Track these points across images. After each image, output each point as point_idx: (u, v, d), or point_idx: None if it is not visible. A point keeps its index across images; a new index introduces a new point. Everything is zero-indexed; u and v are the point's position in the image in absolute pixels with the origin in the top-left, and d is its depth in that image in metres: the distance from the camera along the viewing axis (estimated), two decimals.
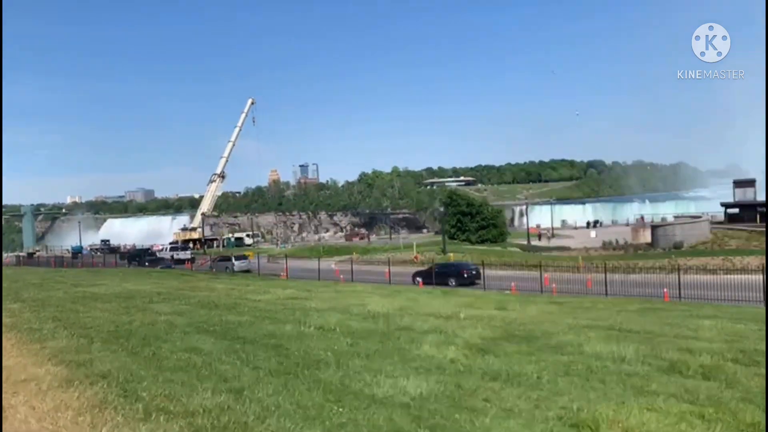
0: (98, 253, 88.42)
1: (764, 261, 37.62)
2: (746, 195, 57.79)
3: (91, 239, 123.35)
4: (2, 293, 21.35)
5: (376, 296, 23.09)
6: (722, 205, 59.11)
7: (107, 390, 7.94)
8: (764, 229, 47.43)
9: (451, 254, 51.79)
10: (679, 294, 26.71)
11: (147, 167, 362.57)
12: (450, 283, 34.56)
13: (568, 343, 11.34)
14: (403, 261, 50.92)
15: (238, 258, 54.52)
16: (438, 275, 36.08)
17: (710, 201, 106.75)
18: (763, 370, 9.00)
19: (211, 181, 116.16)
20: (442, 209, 67.35)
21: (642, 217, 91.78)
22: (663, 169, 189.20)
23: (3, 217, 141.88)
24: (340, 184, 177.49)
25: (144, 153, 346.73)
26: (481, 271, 35.43)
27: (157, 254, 72.03)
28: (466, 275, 35.66)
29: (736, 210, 56.32)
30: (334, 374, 8.73)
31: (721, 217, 58.63)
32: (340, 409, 7.01)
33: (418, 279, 37.06)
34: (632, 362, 9.56)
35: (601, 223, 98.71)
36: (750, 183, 59.41)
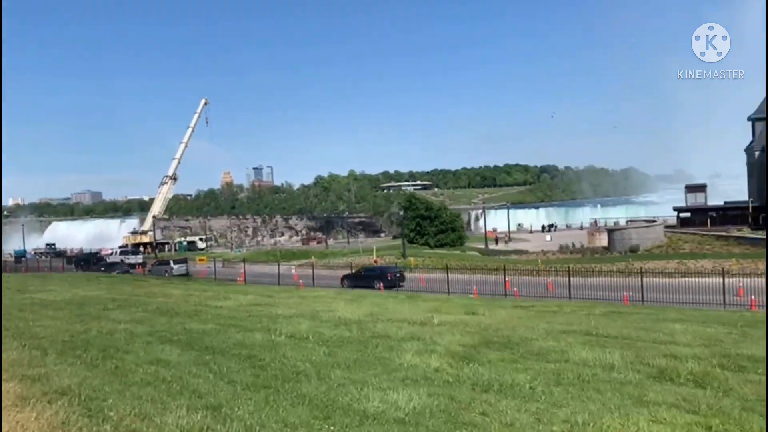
0: (43, 258, 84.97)
1: (718, 264, 38.70)
2: (697, 199, 59.62)
3: (35, 243, 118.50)
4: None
5: (341, 302, 22.52)
6: (675, 209, 60.68)
7: (69, 409, 7.22)
8: (715, 233, 48.91)
9: (412, 258, 51.53)
10: (642, 297, 27.00)
11: (94, 168, 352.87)
12: (375, 286, 35.80)
13: (551, 350, 11.07)
14: (363, 266, 50.35)
15: (177, 262, 54.49)
16: (365, 278, 37.85)
17: (659, 205, 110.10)
18: (753, 376, 8.90)
19: (163, 183, 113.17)
20: (401, 213, 67.06)
21: (595, 221, 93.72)
22: (614, 174, 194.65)
23: None
24: (295, 188, 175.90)
25: (91, 154, 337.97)
26: (445, 275, 35.31)
27: (107, 258, 69.67)
28: (390, 278, 37.31)
29: (688, 214, 57.89)
30: (317, 388, 8.18)
31: (672, 221, 60.17)
32: (331, 427, 6.50)
33: (346, 282, 38.47)
34: (621, 369, 9.32)
35: (555, 227, 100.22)
36: (701, 188, 61.35)
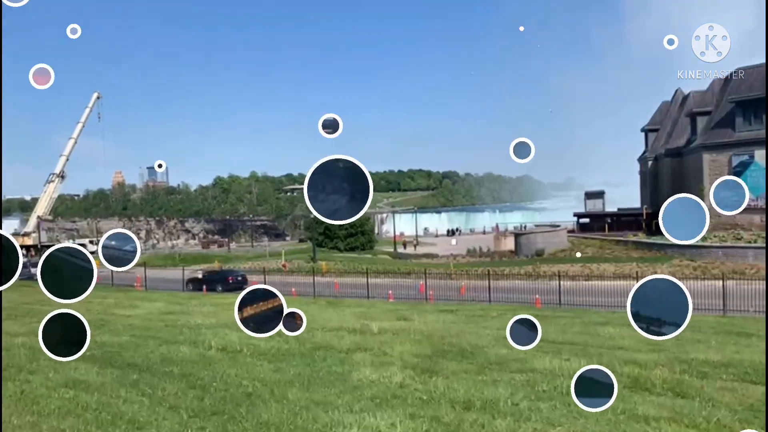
0: None
1: (619, 268, 40.51)
2: (596, 206, 62.64)
3: None
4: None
5: None
6: (575, 215, 63.25)
7: None
8: (614, 238, 51.37)
9: (323, 263, 50.41)
10: (559, 300, 27.49)
11: None
12: (217, 289, 37.42)
13: (509, 358, 10.54)
14: (269, 270, 48.66)
15: (34, 265, 50.93)
16: (208, 282, 39.43)
17: (552, 212, 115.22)
18: (724, 384, 8.73)
19: (49, 182, 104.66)
20: (311, 216, 65.65)
21: (497, 226, 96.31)
22: (510, 181, 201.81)
23: None
24: (192, 189, 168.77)
25: None
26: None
27: None
28: (231, 281, 38.83)
29: (587, 220, 60.56)
30: (279, 412, 7.10)
31: (569, 226, 62.74)
32: None
33: (190, 285, 39.65)
34: None
35: (460, 231, 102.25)
36: (599, 195, 64.55)
